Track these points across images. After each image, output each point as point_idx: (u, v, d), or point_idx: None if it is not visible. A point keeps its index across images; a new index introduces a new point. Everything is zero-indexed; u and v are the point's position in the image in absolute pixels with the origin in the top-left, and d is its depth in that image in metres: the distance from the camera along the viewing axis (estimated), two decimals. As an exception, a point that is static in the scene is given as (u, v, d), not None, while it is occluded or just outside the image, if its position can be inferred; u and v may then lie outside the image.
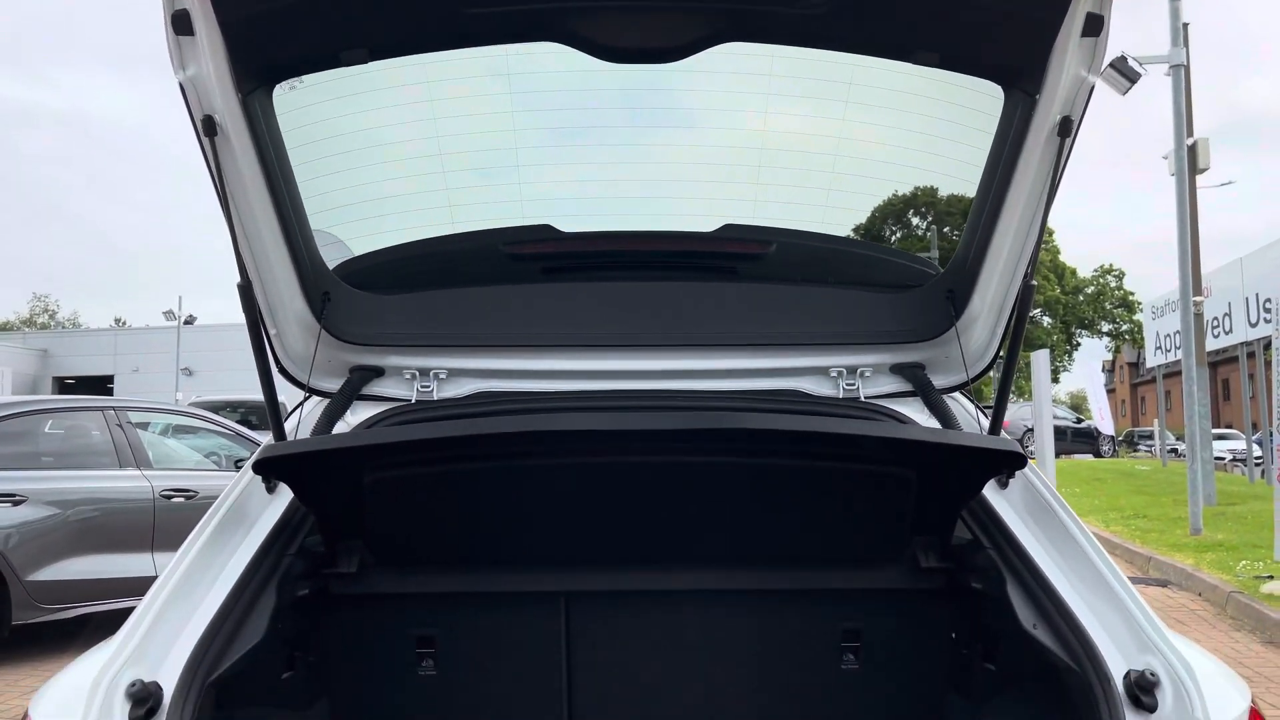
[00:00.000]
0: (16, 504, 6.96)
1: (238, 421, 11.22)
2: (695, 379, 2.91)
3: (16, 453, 7.33)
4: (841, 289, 2.96)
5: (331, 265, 2.79)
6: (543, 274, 2.99)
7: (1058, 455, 26.34)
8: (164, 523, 7.60)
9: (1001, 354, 2.83)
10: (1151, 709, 1.99)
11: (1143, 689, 2.00)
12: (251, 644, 2.22)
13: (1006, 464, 2.44)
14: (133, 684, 1.94)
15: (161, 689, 1.98)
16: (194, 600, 2.22)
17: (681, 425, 2.29)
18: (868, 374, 2.92)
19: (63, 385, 50.73)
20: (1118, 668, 2.08)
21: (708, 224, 2.90)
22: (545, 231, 2.86)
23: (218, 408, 15.71)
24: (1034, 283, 2.56)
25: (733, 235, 2.89)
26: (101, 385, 48.84)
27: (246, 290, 2.46)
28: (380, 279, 2.88)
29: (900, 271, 3.02)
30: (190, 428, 9.68)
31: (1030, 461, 2.48)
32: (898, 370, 2.93)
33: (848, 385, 2.91)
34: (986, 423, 2.78)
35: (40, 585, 6.96)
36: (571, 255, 2.96)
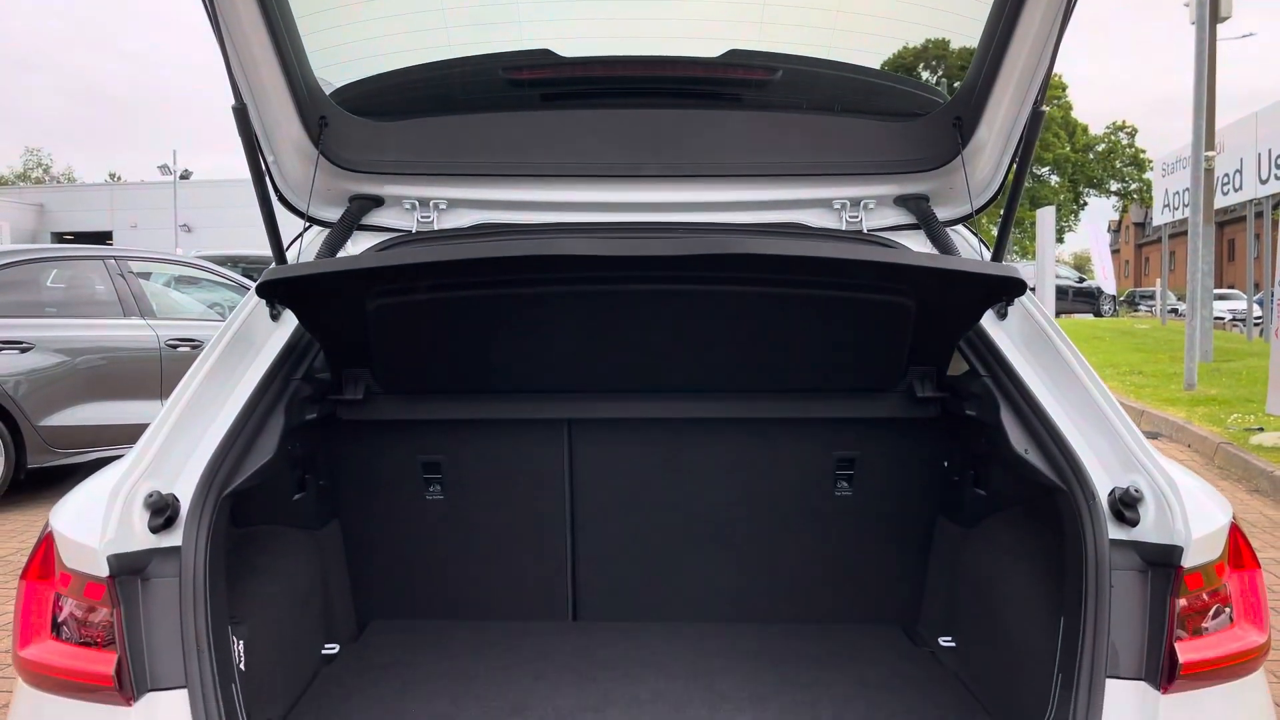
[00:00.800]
0: (24, 351, 7.04)
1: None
2: (698, 211, 2.89)
3: (21, 301, 7.36)
4: (847, 117, 2.91)
5: (328, 91, 2.73)
6: (542, 100, 2.94)
7: (1058, 314, 26.43)
8: (171, 371, 7.70)
9: (1007, 184, 2.80)
10: (1134, 523, 2.05)
11: (1126, 504, 2.06)
12: (263, 461, 2.28)
13: (1006, 290, 2.43)
14: (150, 494, 1.99)
15: (179, 500, 2.05)
16: (205, 419, 2.27)
17: (683, 251, 2.29)
18: (871, 206, 2.90)
19: (61, 241, 50.41)
20: (1103, 486, 2.13)
21: (712, 51, 2.82)
22: (544, 56, 2.79)
23: (220, 262, 15.67)
24: (1044, 109, 2.50)
25: (738, 61, 2.82)
26: (100, 241, 48.50)
27: (241, 113, 2.41)
28: (378, 104, 2.82)
29: (907, 99, 2.95)
30: (193, 279, 9.67)
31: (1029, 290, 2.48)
32: (902, 202, 2.90)
33: (851, 218, 2.89)
34: (989, 255, 2.77)
35: (52, 430, 7.12)
36: (571, 80, 2.89)
